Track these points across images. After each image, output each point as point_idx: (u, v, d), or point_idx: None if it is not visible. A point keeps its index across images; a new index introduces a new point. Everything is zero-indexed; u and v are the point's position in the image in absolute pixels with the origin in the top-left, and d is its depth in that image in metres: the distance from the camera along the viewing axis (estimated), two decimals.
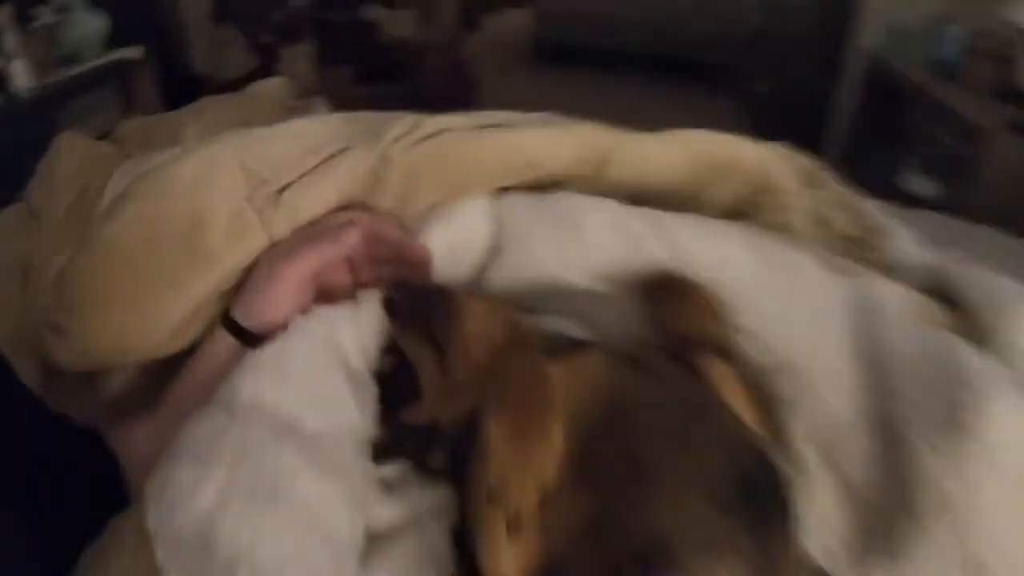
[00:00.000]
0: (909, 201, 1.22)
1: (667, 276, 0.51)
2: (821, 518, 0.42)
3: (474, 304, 0.46)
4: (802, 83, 2.40)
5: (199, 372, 0.48)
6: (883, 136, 2.21)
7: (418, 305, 0.47)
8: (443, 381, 0.44)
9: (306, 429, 0.41)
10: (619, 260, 0.55)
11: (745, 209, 0.68)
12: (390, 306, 0.49)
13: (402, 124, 0.57)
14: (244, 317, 0.47)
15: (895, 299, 0.51)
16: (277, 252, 0.49)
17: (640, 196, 0.60)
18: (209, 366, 0.47)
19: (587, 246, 0.55)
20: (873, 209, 0.80)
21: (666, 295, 0.51)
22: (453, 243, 0.55)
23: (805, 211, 0.77)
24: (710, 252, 0.55)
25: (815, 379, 0.47)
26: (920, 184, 1.93)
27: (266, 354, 0.44)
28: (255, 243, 0.51)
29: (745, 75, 3.10)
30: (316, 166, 0.54)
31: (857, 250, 0.73)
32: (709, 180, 0.67)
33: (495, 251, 0.56)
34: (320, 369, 0.45)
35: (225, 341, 0.47)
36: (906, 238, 0.76)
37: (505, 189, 0.60)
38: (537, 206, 0.59)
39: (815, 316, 0.50)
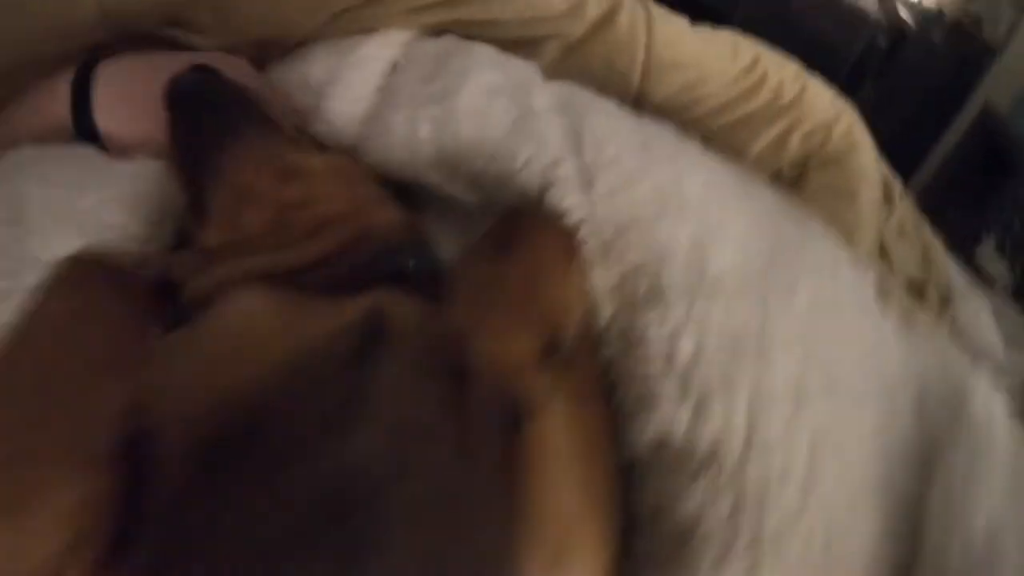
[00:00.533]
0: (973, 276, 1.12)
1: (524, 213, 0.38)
2: None
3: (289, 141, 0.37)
4: (908, 115, 2.21)
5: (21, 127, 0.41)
6: (969, 200, 2.04)
7: (207, 104, 0.37)
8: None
9: None
10: (484, 154, 0.42)
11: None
12: (171, 89, 0.40)
13: None
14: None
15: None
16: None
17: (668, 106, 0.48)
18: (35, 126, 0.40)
19: (455, 119, 0.43)
20: (949, 263, 0.70)
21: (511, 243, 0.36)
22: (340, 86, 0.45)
23: (871, 221, 0.64)
24: (665, 195, 0.39)
25: None
26: (992, 263, 1.77)
27: None
28: None
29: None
30: None
31: (914, 297, 0.63)
32: (761, 106, 0.57)
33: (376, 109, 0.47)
34: None
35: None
36: (987, 312, 0.66)
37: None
38: (430, 53, 0.49)
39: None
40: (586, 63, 0.61)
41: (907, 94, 2.38)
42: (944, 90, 2.17)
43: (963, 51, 2.13)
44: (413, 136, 0.43)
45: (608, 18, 0.60)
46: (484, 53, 0.48)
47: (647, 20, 0.61)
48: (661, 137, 0.44)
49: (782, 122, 0.66)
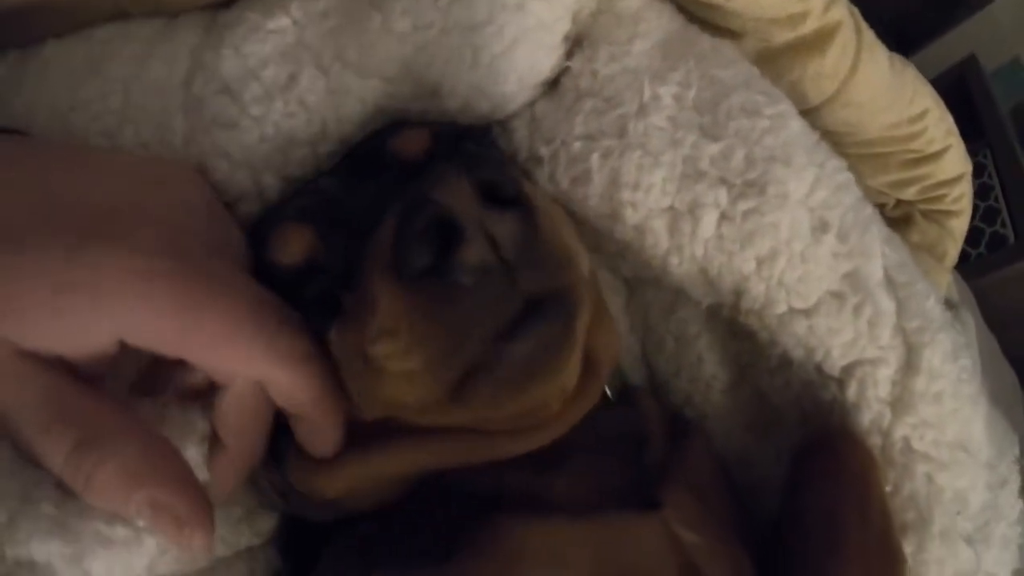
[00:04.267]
0: None
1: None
2: None
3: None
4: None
5: None
6: None
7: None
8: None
9: None
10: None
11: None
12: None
13: None
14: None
15: None
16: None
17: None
18: None
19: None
20: None
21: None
22: None
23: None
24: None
25: None
26: None
27: None
28: None
29: None
30: None
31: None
32: (902, 151, 0.62)
33: None
34: None
35: None
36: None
37: None
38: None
39: None
40: (775, 75, 0.58)
41: None
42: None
43: None
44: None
45: (819, 44, 0.56)
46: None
47: (855, 56, 0.58)
48: None
49: (913, 171, 0.67)
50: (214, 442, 0.32)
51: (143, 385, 0.32)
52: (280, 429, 0.37)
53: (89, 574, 0.29)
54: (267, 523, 0.41)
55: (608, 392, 0.41)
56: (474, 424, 0.33)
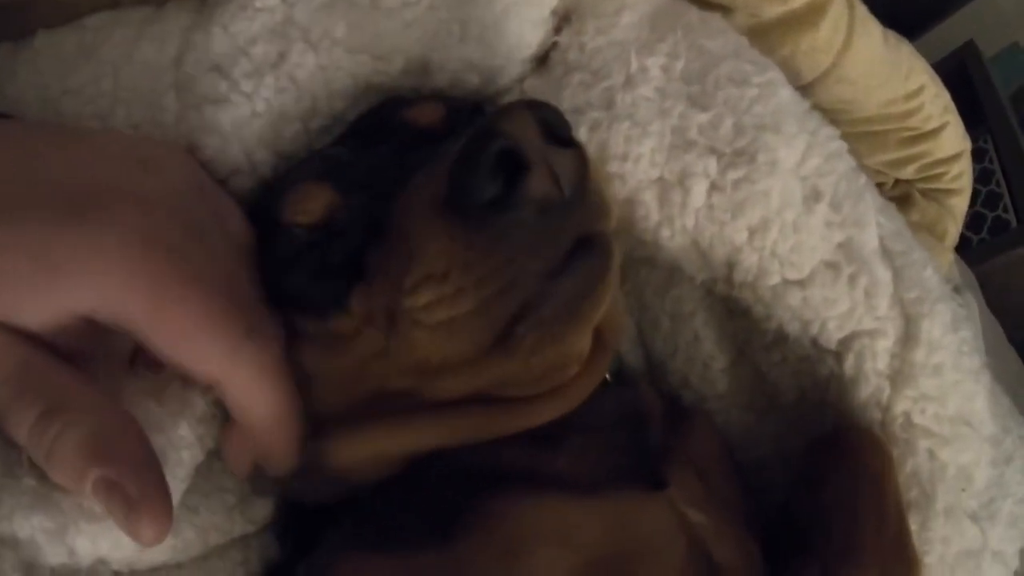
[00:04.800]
0: None
1: None
2: None
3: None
4: None
5: None
6: None
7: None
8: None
9: None
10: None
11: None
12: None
13: None
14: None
15: None
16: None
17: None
18: None
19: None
20: None
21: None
22: None
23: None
24: None
25: None
26: None
27: None
28: None
29: None
30: None
31: None
32: (898, 129, 0.61)
33: None
34: None
35: None
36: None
37: None
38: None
39: None
40: (766, 51, 0.58)
41: None
42: None
43: None
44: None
45: (811, 19, 0.56)
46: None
47: (848, 30, 0.57)
48: None
49: (911, 149, 0.66)
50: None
51: (147, 358, 0.31)
52: None
53: (73, 550, 0.29)
54: (261, 511, 0.40)
55: (607, 374, 0.40)
56: (500, 386, 0.32)
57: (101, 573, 0.32)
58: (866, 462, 0.37)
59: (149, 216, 0.28)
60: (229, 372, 0.29)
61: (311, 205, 0.34)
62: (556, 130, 0.28)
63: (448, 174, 0.27)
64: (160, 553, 0.36)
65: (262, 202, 0.37)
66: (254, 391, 0.29)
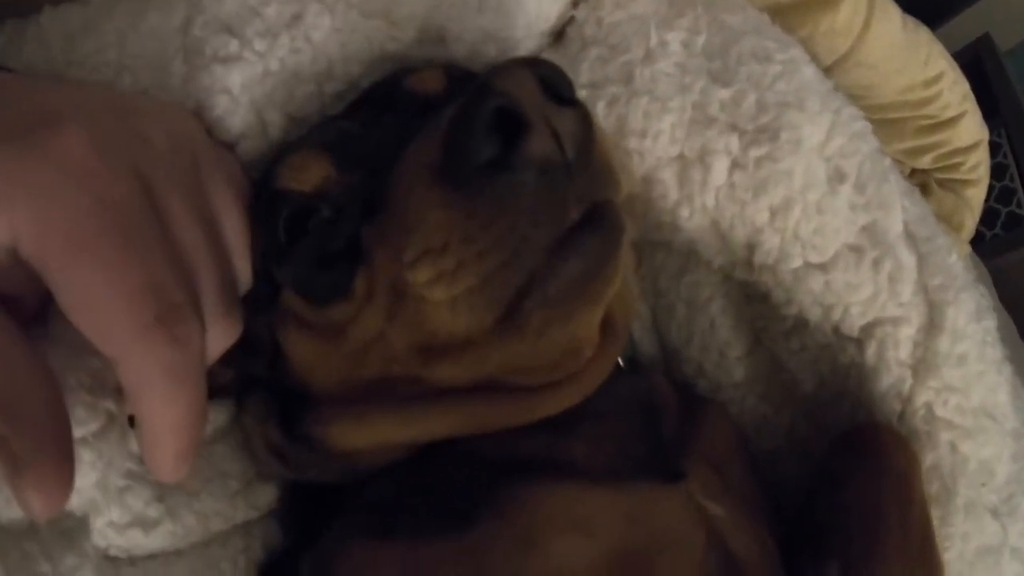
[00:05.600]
0: None
1: None
2: None
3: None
4: None
5: None
6: None
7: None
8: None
9: None
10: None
11: None
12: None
13: None
14: None
15: None
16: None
17: None
18: None
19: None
20: None
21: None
22: None
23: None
24: None
25: None
26: None
27: None
28: None
29: None
30: None
31: None
32: (917, 117, 0.61)
33: None
34: None
35: None
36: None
37: None
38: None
39: None
40: (785, 31, 0.57)
41: None
42: None
43: None
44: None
45: (831, 0, 0.54)
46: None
47: (867, 12, 0.56)
48: None
49: (928, 138, 0.65)
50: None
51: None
52: (282, 373, 0.35)
53: None
54: (265, 496, 0.39)
55: (619, 360, 0.39)
56: (508, 371, 0.30)
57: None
58: (891, 461, 0.36)
59: (101, 158, 0.25)
60: (124, 356, 0.25)
61: (307, 175, 0.32)
62: (557, 88, 0.26)
63: (443, 137, 0.26)
64: (159, 539, 0.35)
65: (266, 172, 0.36)
66: (146, 385, 0.25)
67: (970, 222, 0.69)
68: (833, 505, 0.36)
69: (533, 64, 0.26)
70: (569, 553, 0.27)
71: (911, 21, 0.61)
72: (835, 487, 0.36)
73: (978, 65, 1.56)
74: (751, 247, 0.38)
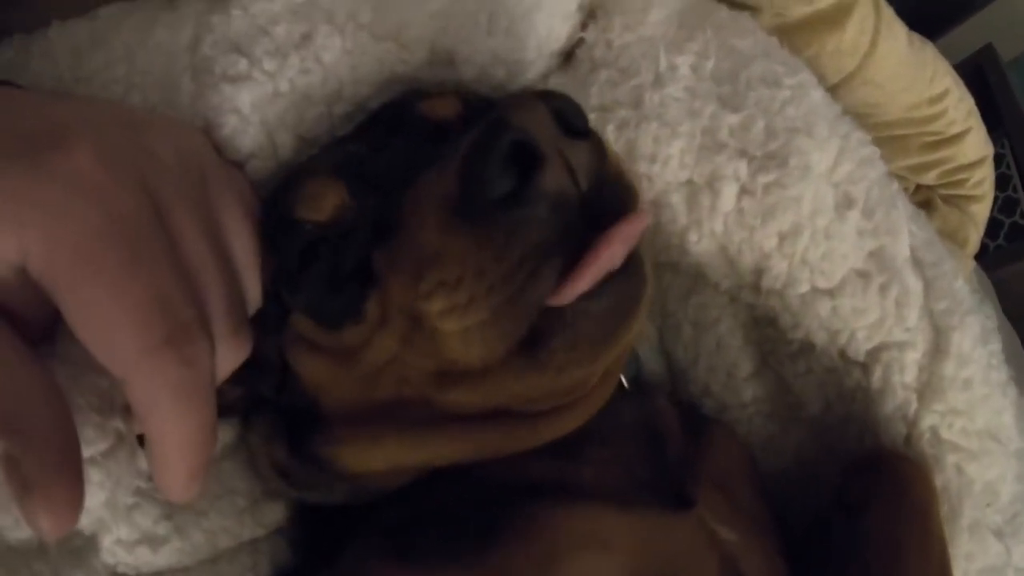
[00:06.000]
0: None
1: None
2: None
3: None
4: None
5: None
6: None
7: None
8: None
9: None
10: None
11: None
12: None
13: None
14: None
15: None
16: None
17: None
18: None
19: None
20: None
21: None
22: None
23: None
24: None
25: None
26: None
27: None
28: None
29: None
30: None
31: None
32: (922, 134, 0.61)
33: None
34: None
35: None
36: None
37: None
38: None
39: None
40: (792, 51, 0.57)
41: None
42: None
43: None
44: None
45: (837, 20, 0.54)
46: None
47: (874, 31, 0.56)
48: None
49: (934, 154, 0.65)
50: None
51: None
52: (291, 393, 0.35)
53: None
54: (272, 514, 0.39)
55: (624, 381, 0.39)
56: (523, 401, 0.31)
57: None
58: (911, 491, 0.36)
59: (109, 173, 0.25)
60: (132, 375, 0.25)
61: (324, 203, 0.32)
62: (570, 121, 0.26)
63: (459, 170, 0.26)
64: (167, 556, 0.35)
65: (276, 193, 0.36)
66: (155, 404, 0.25)
67: (975, 237, 0.70)
68: (850, 532, 0.36)
69: (547, 97, 0.26)
70: (590, 571, 0.27)
71: (917, 38, 0.61)
72: (853, 514, 0.36)
73: (981, 76, 1.57)
74: (759, 272, 0.38)
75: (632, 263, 0.27)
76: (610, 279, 0.26)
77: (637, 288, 0.28)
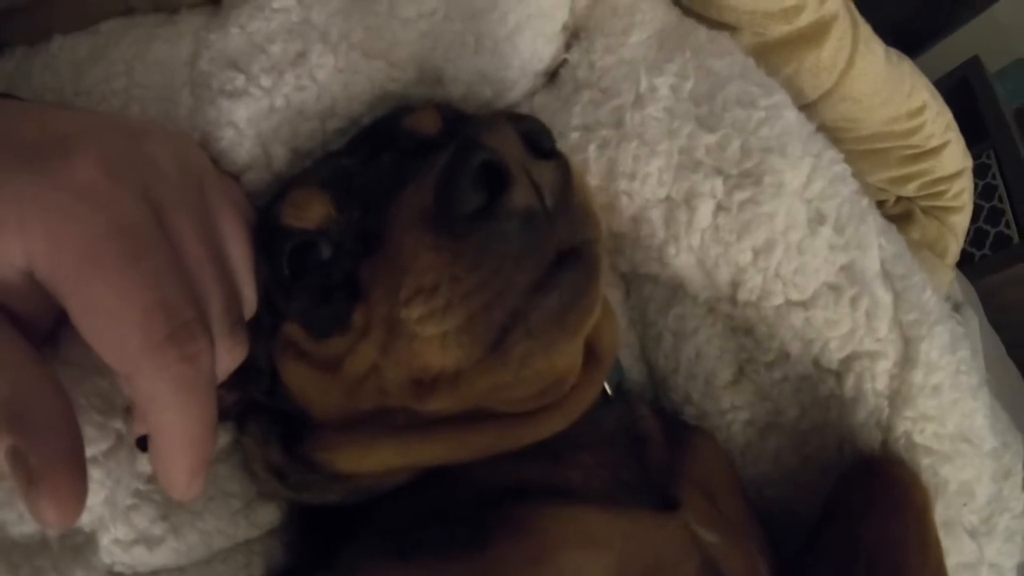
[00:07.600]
0: None
1: None
2: None
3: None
4: None
5: None
6: None
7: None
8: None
9: None
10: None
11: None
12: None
13: None
14: None
15: None
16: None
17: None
18: None
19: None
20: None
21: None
22: None
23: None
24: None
25: None
26: None
27: None
28: None
29: None
30: None
31: None
32: (901, 147, 0.61)
33: None
34: None
35: None
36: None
37: None
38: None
39: None
40: (771, 69, 0.58)
41: None
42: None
43: None
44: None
45: (815, 38, 0.56)
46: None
47: (852, 49, 0.58)
48: None
49: (913, 167, 0.67)
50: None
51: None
52: (283, 399, 0.37)
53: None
54: (266, 515, 0.40)
55: (607, 388, 0.41)
56: (494, 398, 0.32)
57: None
58: (909, 497, 0.38)
59: (111, 181, 0.26)
60: (136, 371, 0.26)
61: (309, 212, 0.34)
62: (538, 142, 0.28)
63: (433, 187, 0.28)
64: (163, 556, 0.36)
65: (269, 204, 0.37)
66: (158, 400, 0.26)
67: (954, 247, 0.71)
68: (847, 537, 0.37)
69: (516, 119, 0.28)
70: (580, 568, 0.29)
71: (894, 54, 0.62)
72: (850, 520, 0.38)
73: (967, 87, 1.59)
74: (735, 285, 0.40)
75: (584, 251, 0.29)
76: (561, 268, 0.28)
77: (588, 276, 0.29)
